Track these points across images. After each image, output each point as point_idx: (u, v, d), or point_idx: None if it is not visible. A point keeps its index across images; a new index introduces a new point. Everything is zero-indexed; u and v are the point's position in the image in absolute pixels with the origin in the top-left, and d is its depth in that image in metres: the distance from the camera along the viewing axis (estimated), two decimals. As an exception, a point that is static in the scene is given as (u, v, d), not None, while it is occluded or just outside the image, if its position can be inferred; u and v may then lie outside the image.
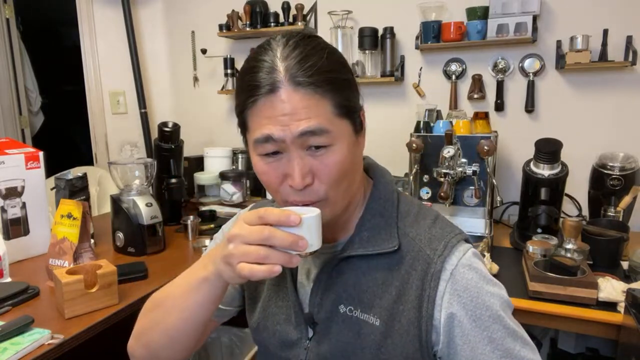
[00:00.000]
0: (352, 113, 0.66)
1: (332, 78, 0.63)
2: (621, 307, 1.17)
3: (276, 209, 0.60)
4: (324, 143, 0.63)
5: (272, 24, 2.25)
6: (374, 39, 2.07)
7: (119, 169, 1.60)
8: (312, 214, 0.61)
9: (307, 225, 0.60)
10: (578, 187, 1.82)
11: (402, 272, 0.69)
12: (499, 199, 1.56)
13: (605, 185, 1.62)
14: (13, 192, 1.49)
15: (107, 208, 1.85)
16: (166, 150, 1.90)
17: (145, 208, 1.53)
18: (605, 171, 1.62)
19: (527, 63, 1.95)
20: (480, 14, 1.90)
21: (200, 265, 0.68)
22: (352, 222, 0.74)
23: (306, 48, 0.63)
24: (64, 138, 4.28)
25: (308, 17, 2.24)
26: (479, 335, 0.65)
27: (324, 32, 2.22)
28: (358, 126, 0.69)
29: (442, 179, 1.54)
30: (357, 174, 0.71)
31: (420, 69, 2.12)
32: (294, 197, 0.65)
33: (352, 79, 0.68)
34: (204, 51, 2.51)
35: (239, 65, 2.39)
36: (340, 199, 0.68)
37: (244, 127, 0.68)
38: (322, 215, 0.65)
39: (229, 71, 2.37)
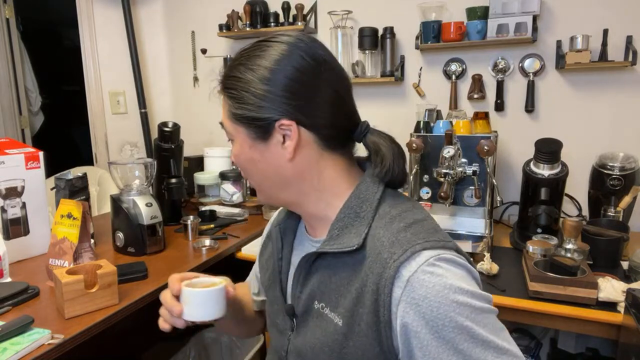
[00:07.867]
0: (246, 122, 0.71)
1: (230, 86, 0.71)
2: (621, 307, 1.17)
3: (178, 276, 0.77)
4: (228, 136, 0.75)
5: (272, 24, 2.25)
6: (374, 39, 2.07)
7: (119, 169, 1.60)
8: (197, 288, 0.73)
9: (185, 297, 0.72)
10: (578, 187, 1.82)
11: (362, 273, 0.67)
12: (499, 199, 1.55)
13: (605, 185, 1.62)
14: (13, 192, 1.49)
15: (107, 208, 1.85)
16: (166, 150, 1.90)
17: (145, 208, 1.52)
18: (605, 171, 1.62)
19: (527, 63, 1.95)
20: (480, 14, 1.90)
21: None
22: (332, 220, 0.74)
23: (244, 53, 0.72)
24: (64, 138, 4.28)
25: (308, 17, 2.24)
26: (441, 347, 0.60)
27: (324, 32, 2.22)
28: (264, 135, 0.70)
29: (442, 179, 1.54)
30: (275, 177, 0.74)
31: (420, 69, 2.12)
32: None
33: (257, 93, 0.68)
34: (204, 51, 2.51)
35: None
36: (264, 190, 0.77)
37: None
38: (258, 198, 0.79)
39: (229, 71, 2.37)
